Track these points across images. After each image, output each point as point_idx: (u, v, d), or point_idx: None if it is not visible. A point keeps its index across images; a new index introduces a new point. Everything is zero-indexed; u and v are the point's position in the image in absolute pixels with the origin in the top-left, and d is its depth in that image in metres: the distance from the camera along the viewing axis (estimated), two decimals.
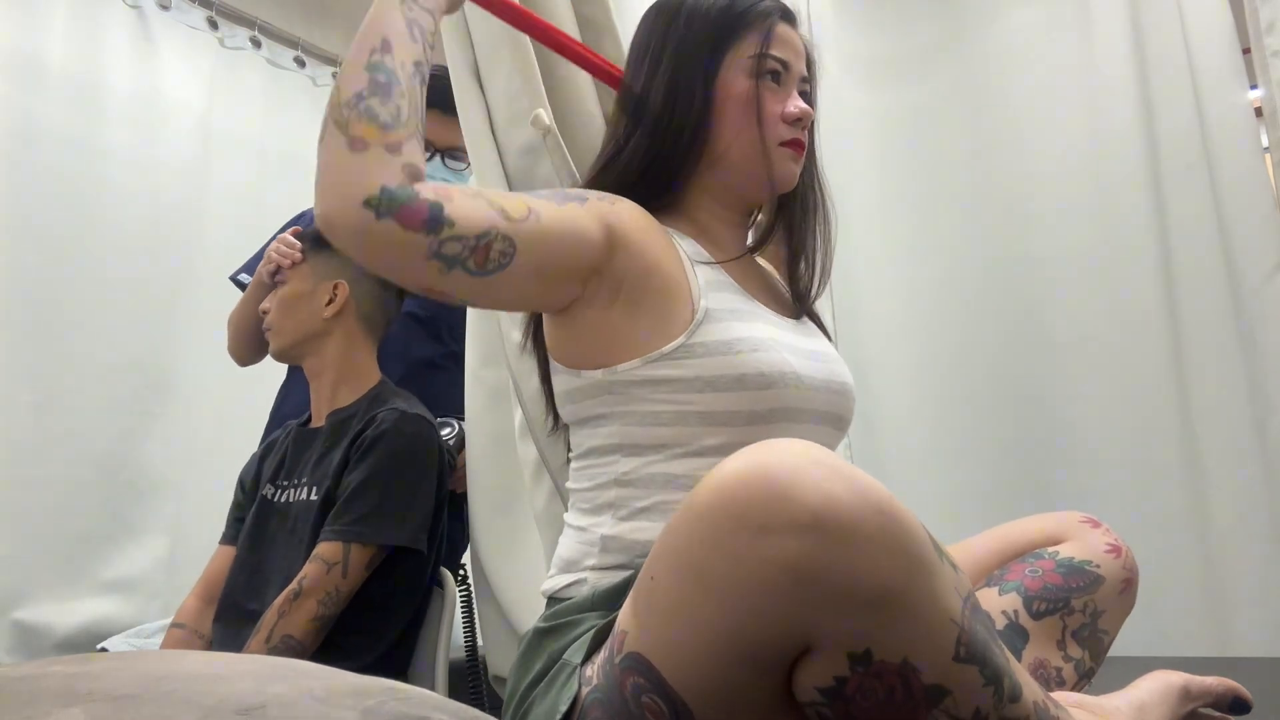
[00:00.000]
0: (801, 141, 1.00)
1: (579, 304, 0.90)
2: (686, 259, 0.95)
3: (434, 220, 0.77)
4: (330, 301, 1.46)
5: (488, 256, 0.80)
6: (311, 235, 1.52)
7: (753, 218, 1.11)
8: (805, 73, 1.03)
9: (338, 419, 1.43)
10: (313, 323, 1.46)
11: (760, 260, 1.11)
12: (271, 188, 2.70)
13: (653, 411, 0.88)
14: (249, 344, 1.80)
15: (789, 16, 1.02)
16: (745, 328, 0.91)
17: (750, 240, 1.09)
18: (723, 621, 0.60)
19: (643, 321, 0.89)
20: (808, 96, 1.04)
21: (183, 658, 0.56)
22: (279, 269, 1.51)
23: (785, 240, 1.06)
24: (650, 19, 1.04)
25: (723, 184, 1.01)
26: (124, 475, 2.31)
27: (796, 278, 1.05)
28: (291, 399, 1.80)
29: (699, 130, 0.98)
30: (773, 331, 0.93)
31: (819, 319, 1.08)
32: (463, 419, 1.65)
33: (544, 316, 0.98)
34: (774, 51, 0.98)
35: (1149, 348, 1.79)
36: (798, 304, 1.05)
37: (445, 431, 1.63)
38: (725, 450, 0.86)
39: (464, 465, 1.62)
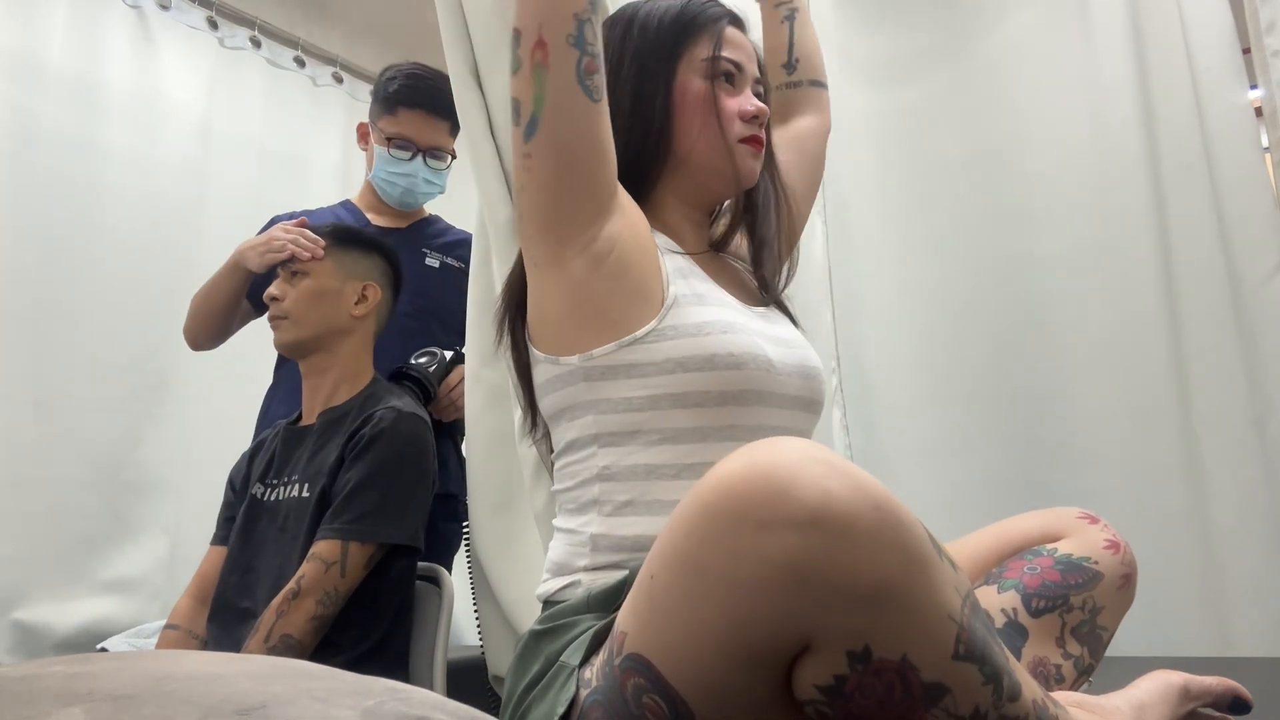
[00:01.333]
0: (760, 138, 1.03)
1: (571, 253, 0.91)
2: (658, 247, 0.98)
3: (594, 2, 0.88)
4: (359, 301, 1.48)
5: (594, 73, 0.89)
6: (333, 233, 1.52)
7: (714, 214, 1.13)
8: (758, 74, 1.07)
9: (331, 417, 1.43)
10: (339, 320, 1.47)
11: (729, 256, 1.13)
12: (271, 188, 2.70)
13: (626, 398, 0.90)
14: (216, 328, 1.78)
15: (737, 21, 1.06)
16: (713, 311, 0.93)
17: (715, 236, 1.11)
18: (723, 619, 0.60)
19: (620, 296, 0.91)
20: (762, 97, 1.07)
21: (183, 658, 0.56)
22: (292, 258, 1.49)
23: (748, 234, 1.09)
24: (605, 31, 1.07)
25: (689, 184, 1.04)
26: (124, 475, 2.32)
27: (760, 266, 1.07)
28: (278, 400, 1.79)
29: (663, 134, 1.01)
30: (740, 317, 0.95)
31: (786, 308, 1.10)
32: (447, 350, 1.67)
33: (528, 288, 0.98)
34: (726, 53, 1.02)
35: (1149, 348, 1.79)
36: (764, 293, 1.07)
37: (424, 359, 1.64)
38: (700, 433, 0.88)
39: (454, 389, 1.65)
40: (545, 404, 0.98)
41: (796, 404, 0.96)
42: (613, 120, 1.01)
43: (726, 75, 1.02)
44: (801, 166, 1.18)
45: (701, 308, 0.93)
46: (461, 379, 1.66)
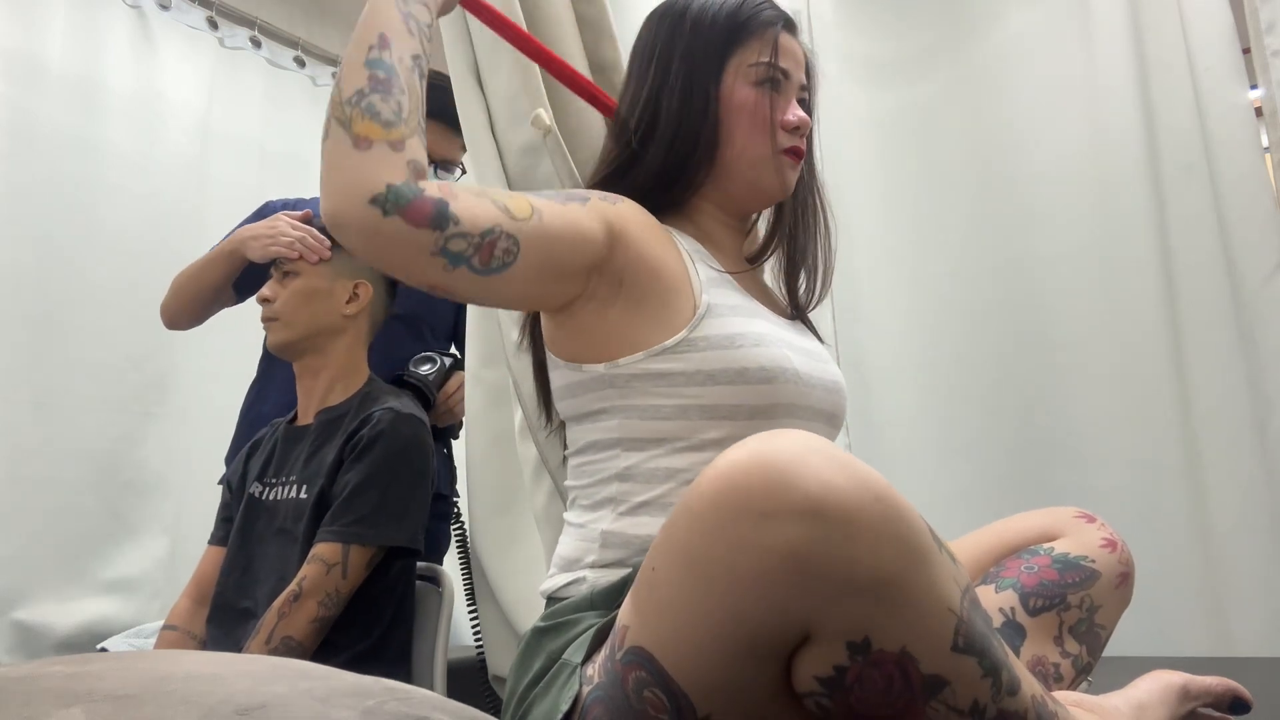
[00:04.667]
0: (800, 149, 1.02)
1: (579, 300, 0.91)
2: (688, 255, 0.96)
3: (439, 217, 0.77)
4: (350, 300, 1.47)
5: (492, 254, 0.81)
6: (325, 230, 1.51)
7: (751, 222, 1.12)
8: (805, 81, 1.04)
9: (328, 417, 1.43)
10: (330, 319, 1.46)
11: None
12: (271, 188, 2.69)
13: (654, 405, 0.89)
14: (198, 310, 1.77)
15: (791, 26, 1.04)
16: (746, 323, 0.92)
17: (751, 248, 1.09)
18: (723, 610, 0.60)
19: (644, 320, 0.90)
20: (806, 105, 1.05)
21: (182, 658, 0.56)
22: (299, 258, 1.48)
23: (784, 247, 1.07)
24: (654, 24, 1.05)
25: (725, 191, 1.02)
26: (124, 475, 2.32)
27: (795, 283, 1.06)
28: (270, 399, 1.78)
29: (709, 142, 0.99)
30: (772, 329, 0.94)
31: (809, 322, 1.10)
32: (446, 355, 1.68)
33: (542, 314, 0.98)
34: (775, 60, 1.00)
35: (1149, 348, 1.79)
36: (794, 309, 1.06)
37: (426, 368, 1.64)
38: (726, 444, 0.87)
39: (452, 396, 1.65)
40: (564, 406, 0.97)
41: (820, 416, 0.96)
42: (658, 122, 0.99)
43: (772, 82, 1.00)
44: None
45: (734, 318, 0.92)
46: (460, 385, 1.66)
